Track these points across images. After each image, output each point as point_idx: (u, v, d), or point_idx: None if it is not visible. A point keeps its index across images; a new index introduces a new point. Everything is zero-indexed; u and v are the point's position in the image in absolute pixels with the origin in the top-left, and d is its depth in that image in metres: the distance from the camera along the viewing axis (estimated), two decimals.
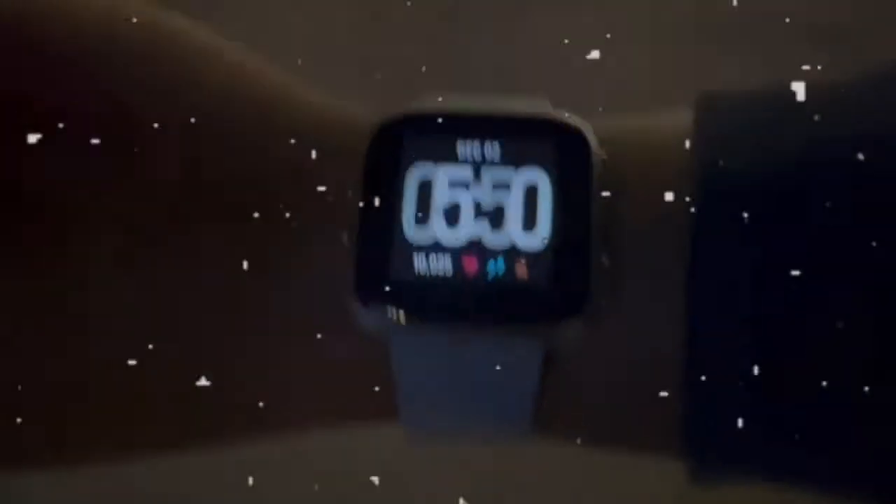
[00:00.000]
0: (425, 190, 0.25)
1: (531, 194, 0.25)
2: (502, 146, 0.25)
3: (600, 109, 0.26)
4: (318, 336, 0.25)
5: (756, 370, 0.24)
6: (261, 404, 0.26)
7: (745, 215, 0.24)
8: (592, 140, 0.25)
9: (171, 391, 0.26)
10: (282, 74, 0.27)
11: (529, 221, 0.25)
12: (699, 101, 0.26)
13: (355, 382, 0.26)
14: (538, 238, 0.24)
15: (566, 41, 0.62)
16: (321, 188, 0.26)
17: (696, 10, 0.58)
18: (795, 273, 0.23)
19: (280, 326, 0.25)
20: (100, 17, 0.26)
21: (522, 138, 0.25)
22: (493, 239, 0.25)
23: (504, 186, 0.25)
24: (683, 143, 0.25)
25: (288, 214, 0.25)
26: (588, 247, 0.24)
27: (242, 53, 0.27)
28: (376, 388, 0.25)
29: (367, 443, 0.37)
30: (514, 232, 0.25)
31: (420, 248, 0.25)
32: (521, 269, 0.24)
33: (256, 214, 0.25)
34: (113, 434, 0.26)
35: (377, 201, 0.25)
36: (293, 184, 0.26)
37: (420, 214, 0.25)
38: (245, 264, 0.25)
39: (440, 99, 0.26)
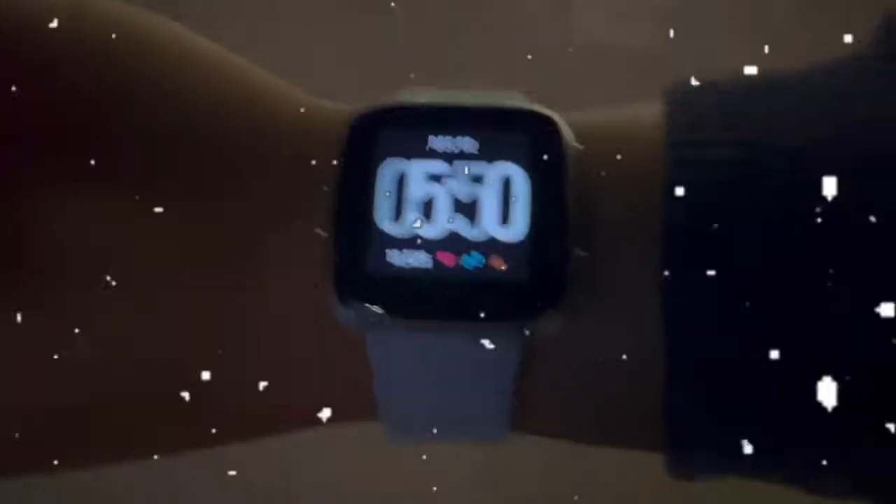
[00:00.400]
0: (400, 184, 0.25)
1: (507, 187, 0.25)
2: (476, 139, 0.25)
3: (576, 101, 0.26)
4: (296, 330, 0.25)
5: (735, 363, 0.24)
6: (240, 403, 0.26)
7: (719, 205, 0.24)
8: (566, 132, 0.25)
9: (157, 391, 0.26)
10: (261, 71, 0.27)
11: (506, 214, 0.25)
12: (670, 91, 0.26)
13: (334, 379, 0.26)
14: (515, 231, 0.24)
15: (545, 34, 0.62)
16: (300, 182, 0.25)
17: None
18: (770, 264, 0.23)
19: (257, 322, 0.25)
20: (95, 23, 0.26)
21: (496, 131, 0.25)
22: (469, 232, 0.25)
23: (479, 179, 0.25)
24: (658, 134, 0.25)
25: (266, 209, 0.25)
26: (565, 239, 0.24)
27: (223, 53, 0.27)
28: (356, 385, 0.25)
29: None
30: (490, 225, 0.25)
31: (396, 243, 0.24)
32: (498, 262, 0.24)
33: (234, 209, 0.25)
34: (106, 436, 0.26)
35: (352, 196, 0.25)
36: (273, 178, 0.26)
37: (395, 209, 0.25)
38: (223, 258, 0.25)
39: (414, 92, 0.26)
